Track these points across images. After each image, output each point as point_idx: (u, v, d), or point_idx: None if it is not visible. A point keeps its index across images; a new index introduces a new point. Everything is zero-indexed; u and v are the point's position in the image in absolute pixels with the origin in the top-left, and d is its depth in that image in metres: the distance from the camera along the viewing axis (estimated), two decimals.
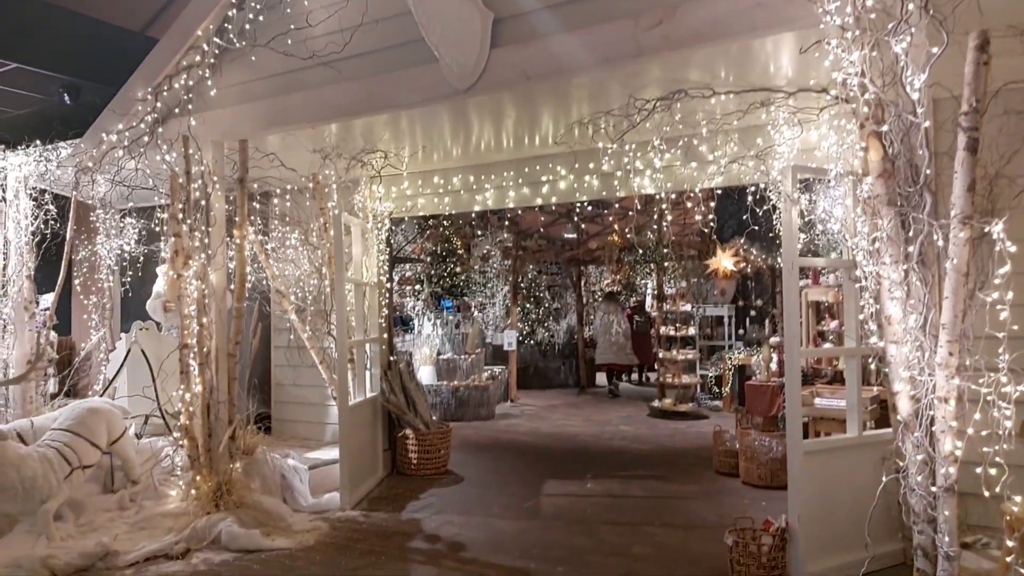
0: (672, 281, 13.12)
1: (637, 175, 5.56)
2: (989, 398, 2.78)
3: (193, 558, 4.44)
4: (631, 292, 17.60)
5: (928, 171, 2.91)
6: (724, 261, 11.11)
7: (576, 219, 11.58)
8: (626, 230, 9.54)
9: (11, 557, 4.13)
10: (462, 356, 10.42)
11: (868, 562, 3.79)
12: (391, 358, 6.89)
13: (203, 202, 4.96)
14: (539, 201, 6.15)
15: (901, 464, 3.08)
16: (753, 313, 11.71)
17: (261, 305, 6.81)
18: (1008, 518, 2.98)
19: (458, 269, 10.85)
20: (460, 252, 11.07)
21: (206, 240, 4.99)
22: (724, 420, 9.36)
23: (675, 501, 5.85)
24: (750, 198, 4.63)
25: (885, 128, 3.01)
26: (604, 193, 5.89)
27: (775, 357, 7.55)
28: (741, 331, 11.72)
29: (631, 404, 11.55)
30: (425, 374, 9.80)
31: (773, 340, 8.45)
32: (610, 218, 10.96)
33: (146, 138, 5.09)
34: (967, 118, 2.84)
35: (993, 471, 2.80)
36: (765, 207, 4.79)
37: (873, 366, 4.69)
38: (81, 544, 4.42)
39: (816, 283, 7.60)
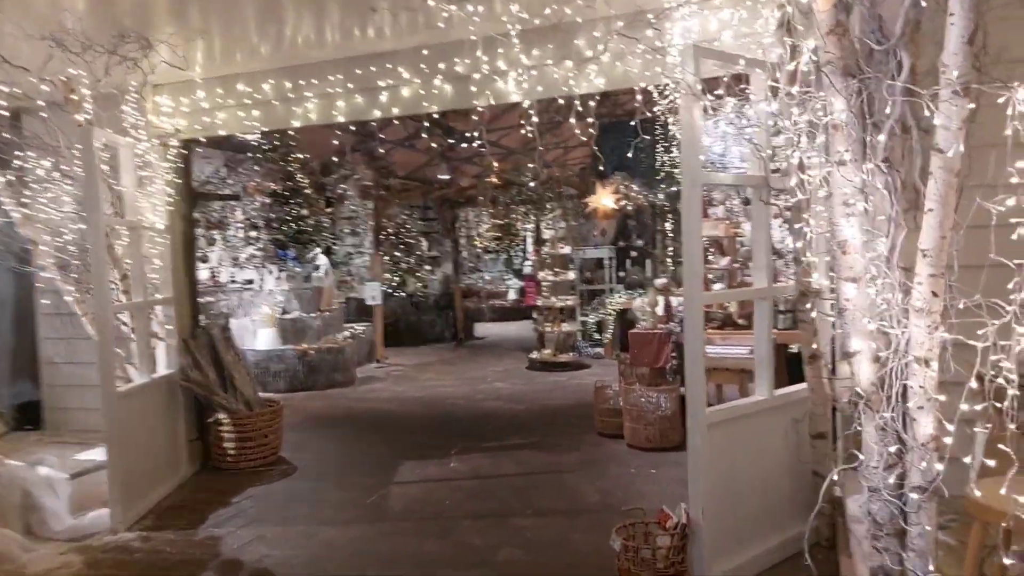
0: (551, 223, 12.26)
1: (499, 77, 4.33)
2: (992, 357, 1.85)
3: None
4: (512, 236, 16.61)
5: (912, 10, 1.89)
6: (604, 199, 10.31)
7: (447, 156, 10.26)
8: (485, 145, 8.20)
9: None
10: (312, 314, 8.94)
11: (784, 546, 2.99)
12: (198, 324, 5.40)
13: None
14: (377, 113, 4.75)
15: (860, 455, 2.14)
16: (634, 254, 11.01)
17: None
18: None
19: (305, 212, 9.23)
20: (308, 192, 9.42)
21: None
22: (606, 368, 8.70)
23: (553, 477, 4.91)
24: (639, 97, 3.53)
25: None
26: (459, 101, 4.61)
27: (661, 301, 6.74)
28: (622, 273, 10.99)
29: (510, 356, 10.70)
30: (264, 338, 8.25)
31: (659, 282, 7.70)
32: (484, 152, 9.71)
33: None
34: None
35: (992, 462, 1.91)
36: (653, 110, 3.76)
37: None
38: None
39: (705, 217, 6.78)
